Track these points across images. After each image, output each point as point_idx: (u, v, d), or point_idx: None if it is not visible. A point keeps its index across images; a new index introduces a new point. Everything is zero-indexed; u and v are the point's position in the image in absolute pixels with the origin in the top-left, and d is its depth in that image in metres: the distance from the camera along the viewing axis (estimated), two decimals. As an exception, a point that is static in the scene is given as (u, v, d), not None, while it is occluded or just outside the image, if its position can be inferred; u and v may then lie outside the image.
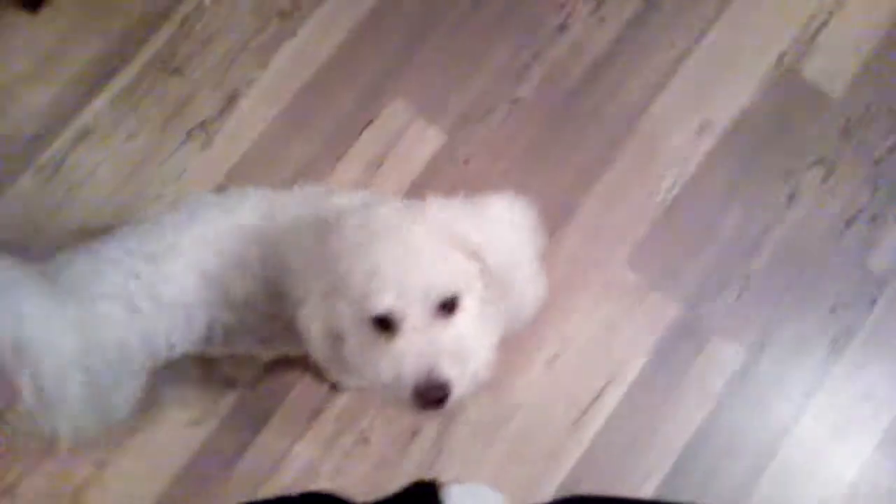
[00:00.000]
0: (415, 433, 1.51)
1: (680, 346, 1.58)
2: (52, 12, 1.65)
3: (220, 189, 1.57)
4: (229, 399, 1.50)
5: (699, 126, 1.68)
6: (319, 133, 1.63)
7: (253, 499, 1.31)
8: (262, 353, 1.31)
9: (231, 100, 1.63)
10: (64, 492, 1.44)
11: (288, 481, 1.47)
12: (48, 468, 1.45)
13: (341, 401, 1.52)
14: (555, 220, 1.61)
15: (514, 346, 1.55)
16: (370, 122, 1.64)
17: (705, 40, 1.73)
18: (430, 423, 1.51)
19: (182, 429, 1.48)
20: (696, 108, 1.69)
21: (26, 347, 0.87)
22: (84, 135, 1.59)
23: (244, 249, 1.07)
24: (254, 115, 1.63)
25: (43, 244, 1.52)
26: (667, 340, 1.58)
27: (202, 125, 1.62)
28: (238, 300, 1.08)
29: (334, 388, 1.51)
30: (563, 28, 1.71)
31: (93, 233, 1.48)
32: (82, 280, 1.02)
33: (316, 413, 1.51)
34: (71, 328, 0.92)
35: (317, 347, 0.97)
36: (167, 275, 1.04)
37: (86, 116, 1.60)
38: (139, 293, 1.02)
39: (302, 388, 1.51)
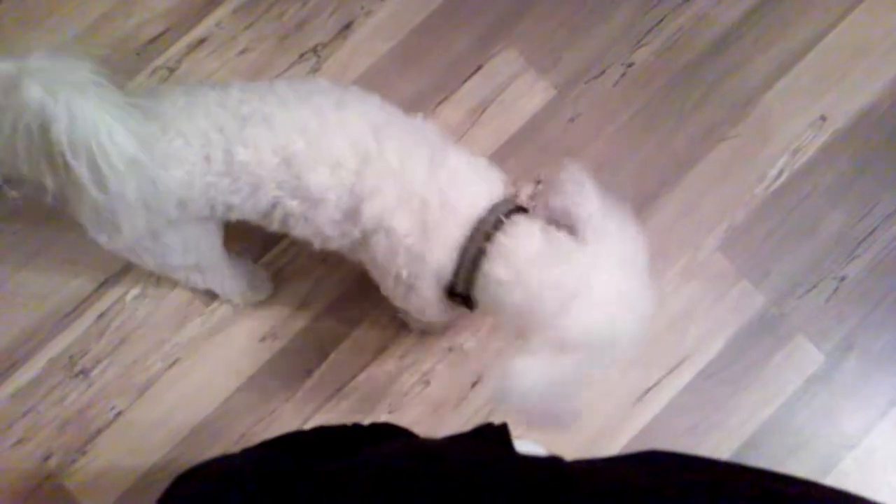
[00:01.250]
0: (475, 384, 1.52)
1: (761, 339, 1.53)
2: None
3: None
4: (301, 321, 1.53)
5: (818, 118, 1.62)
6: (427, 73, 1.62)
7: (325, 424, 1.34)
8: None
9: (346, 27, 1.63)
10: (135, 382, 1.50)
11: (344, 409, 1.50)
12: (124, 359, 1.51)
13: (408, 340, 1.53)
14: (653, 189, 1.58)
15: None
16: (479, 67, 1.62)
17: (837, 29, 1.65)
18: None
19: (255, 341, 1.52)
20: (818, 98, 1.63)
21: (81, 141, 0.87)
22: (200, 43, 1.62)
23: (340, 153, 1.05)
24: (366, 46, 1.63)
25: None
26: (748, 331, 1.54)
27: (314, 49, 1.63)
28: (313, 196, 1.07)
29: (405, 326, 1.52)
30: (690, -3, 1.66)
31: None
32: (170, 111, 1.02)
33: (382, 349, 1.53)
34: (137, 141, 0.91)
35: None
36: (248, 140, 1.03)
37: (205, 25, 1.63)
38: (216, 145, 1.02)
39: (370, 322, 1.53)
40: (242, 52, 1.62)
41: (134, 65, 1.61)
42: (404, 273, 1.10)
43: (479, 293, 1.07)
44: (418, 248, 1.06)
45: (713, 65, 1.63)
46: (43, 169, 0.91)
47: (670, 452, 0.74)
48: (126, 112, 0.91)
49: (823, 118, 1.62)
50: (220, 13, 1.63)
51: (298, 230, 1.13)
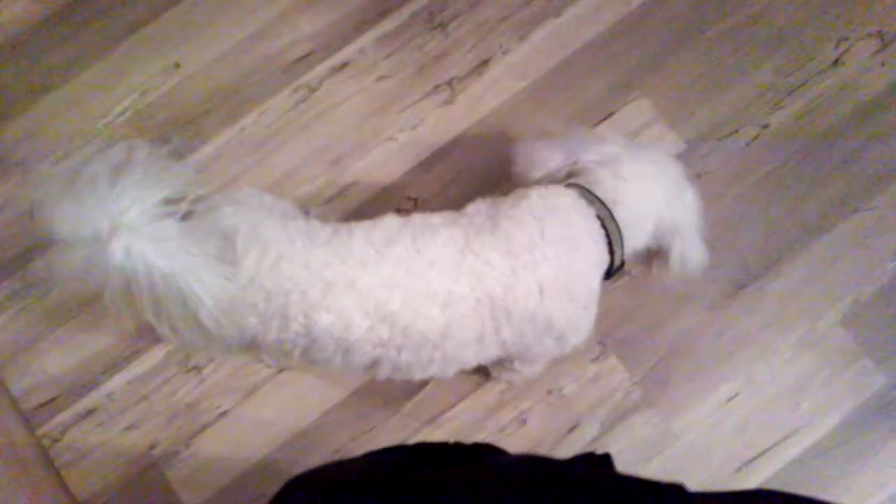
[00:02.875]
0: (573, 428, 1.50)
1: (878, 422, 1.46)
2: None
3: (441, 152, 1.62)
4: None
5: (962, 199, 1.55)
6: (558, 114, 1.63)
7: (424, 440, 1.35)
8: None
9: (483, 64, 1.67)
10: (243, 384, 1.55)
11: (439, 437, 1.51)
12: (236, 360, 1.56)
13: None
14: (777, 253, 1.54)
15: (694, 373, 1.50)
16: (610, 114, 1.62)
17: None
18: (591, 424, 1.49)
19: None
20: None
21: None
22: (342, 66, 1.68)
23: (445, 287, 1.07)
24: (500, 83, 1.66)
25: (277, 163, 1.64)
26: (865, 412, 1.47)
27: (450, 82, 1.67)
28: (431, 339, 1.08)
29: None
30: (837, 63, 1.62)
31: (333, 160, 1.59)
32: (260, 265, 1.05)
33: (483, 382, 1.53)
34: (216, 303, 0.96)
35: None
36: (332, 306, 1.05)
37: (349, 50, 1.69)
38: (296, 308, 1.05)
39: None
40: (380, 78, 1.67)
41: (278, 82, 1.68)
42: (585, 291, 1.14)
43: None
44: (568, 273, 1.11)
45: (854, 133, 1.59)
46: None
47: (796, 495, 0.72)
48: (209, 270, 0.96)
49: (967, 200, 1.55)
50: (364, 40, 1.69)
51: (422, 373, 1.14)
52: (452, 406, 1.52)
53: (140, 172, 0.93)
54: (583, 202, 1.13)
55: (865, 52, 1.62)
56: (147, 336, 1.56)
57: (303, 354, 1.10)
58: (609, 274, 1.15)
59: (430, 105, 1.66)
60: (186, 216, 0.97)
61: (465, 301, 1.07)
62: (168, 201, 0.94)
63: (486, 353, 1.14)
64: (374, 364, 1.11)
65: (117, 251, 0.90)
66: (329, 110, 1.66)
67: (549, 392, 1.52)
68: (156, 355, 1.56)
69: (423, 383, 1.53)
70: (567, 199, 1.13)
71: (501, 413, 1.52)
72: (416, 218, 1.14)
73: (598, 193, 1.14)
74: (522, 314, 1.08)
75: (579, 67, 1.66)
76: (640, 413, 1.50)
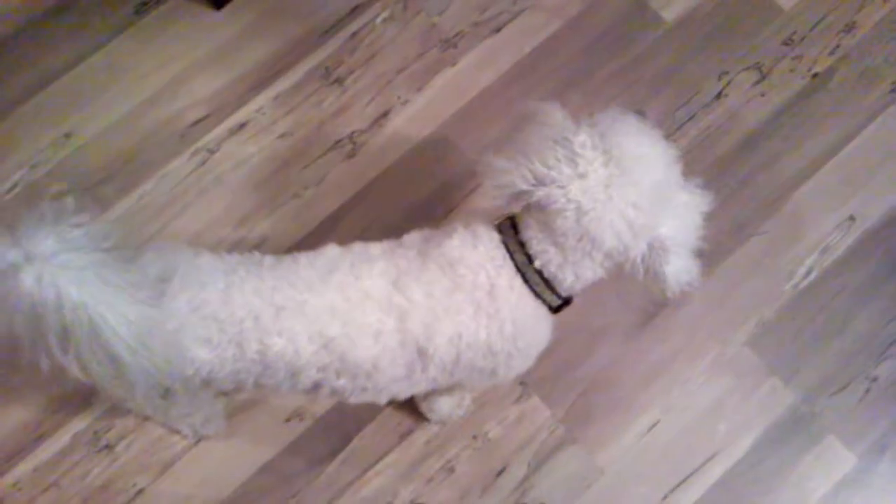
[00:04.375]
0: (501, 471, 1.50)
1: (791, 438, 1.51)
2: (234, 11, 1.74)
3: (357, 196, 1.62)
4: (328, 402, 1.52)
5: (847, 217, 1.64)
6: (461, 159, 1.66)
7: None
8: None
9: (383, 115, 1.68)
10: (158, 459, 1.49)
11: (368, 494, 1.48)
12: (150, 434, 1.50)
13: (433, 426, 1.52)
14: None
15: (615, 405, 1.53)
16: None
17: (867, 131, 1.69)
18: (519, 466, 1.49)
19: (280, 422, 1.51)
20: (847, 198, 1.65)
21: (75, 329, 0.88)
22: (241, 127, 1.67)
23: (376, 320, 1.06)
24: (402, 133, 1.68)
25: (181, 228, 1.61)
26: (778, 430, 1.52)
27: (351, 136, 1.67)
28: (363, 368, 1.08)
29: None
30: (720, 95, 1.70)
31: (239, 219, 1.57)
32: (194, 286, 1.03)
33: (406, 433, 1.52)
34: (134, 330, 0.91)
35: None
36: (283, 330, 1.04)
37: (247, 111, 1.68)
38: (250, 335, 1.04)
39: (396, 406, 1.52)
40: (281, 136, 1.67)
41: (176, 146, 1.66)
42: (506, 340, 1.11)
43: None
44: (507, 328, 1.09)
45: (744, 161, 1.66)
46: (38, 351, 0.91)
47: None
48: (127, 297, 0.91)
49: (853, 217, 1.63)
50: (261, 99, 1.69)
51: (355, 398, 1.14)
52: (378, 460, 1.50)
53: (58, 209, 0.89)
54: (500, 253, 1.09)
55: (746, 83, 1.71)
56: (51, 418, 1.49)
57: (255, 382, 1.09)
58: (555, 309, 1.13)
59: (334, 160, 1.66)
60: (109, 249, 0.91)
61: (393, 336, 1.06)
62: (90, 235, 0.89)
63: (419, 388, 1.15)
64: (316, 387, 1.10)
65: (27, 279, 0.84)
66: (231, 171, 1.65)
67: (475, 437, 1.51)
68: (62, 438, 1.49)
69: (347, 439, 1.51)
70: (481, 251, 1.10)
71: (428, 463, 1.50)
72: (357, 247, 1.14)
73: (530, 236, 1.08)
74: (445, 357, 1.08)
75: (478, 113, 1.69)
76: (565, 450, 1.50)
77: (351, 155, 1.66)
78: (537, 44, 1.74)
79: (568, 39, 1.74)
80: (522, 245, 1.08)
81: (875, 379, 1.54)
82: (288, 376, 1.08)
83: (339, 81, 1.70)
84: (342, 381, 1.09)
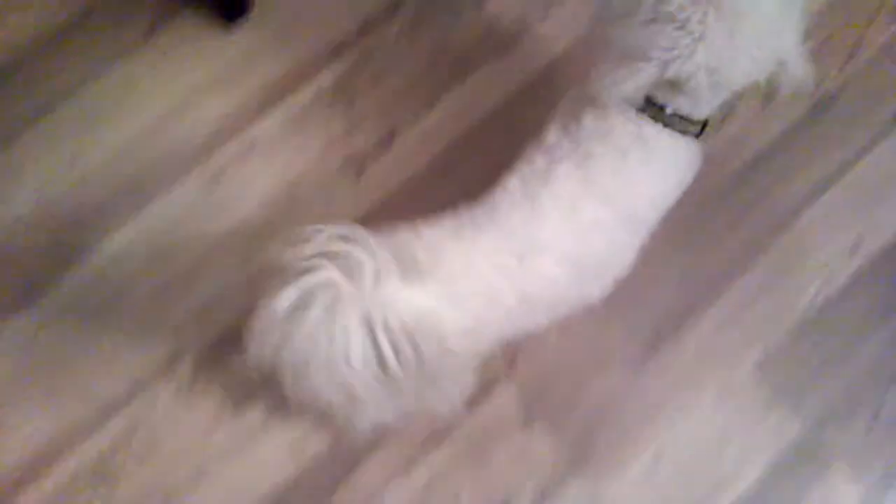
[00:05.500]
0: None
1: (798, 468, 1.50)
2: (244, 31, 1.74)
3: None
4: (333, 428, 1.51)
5: (853, 242, 1.63)
6: (466, 181, 1.64)
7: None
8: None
9: (390, 135, 1.68)
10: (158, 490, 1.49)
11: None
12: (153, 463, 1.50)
13: (439, 455, 1.51)
14: (689, 308, 1.58)
15: (621, 436, 1.52)
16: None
17: (872, 154, 1.68)
18: (522, 498, 1.49)
19: (286, 446, 1.50)
20: (853, 222, 1.64)
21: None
22: (250, 148, 1.67)
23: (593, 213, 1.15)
24: (411, 153, 1.67)
25: (193, 251, 1.61)
26: (785, 459, 1.51)
27: (359, 155, 1.67)
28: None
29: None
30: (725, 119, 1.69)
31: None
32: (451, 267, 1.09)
33: (411, 467, 1.50)
34: None
35: None
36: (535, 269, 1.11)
37: (254, 131, 1.68)
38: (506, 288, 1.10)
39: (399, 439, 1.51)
40: (290, 157, 1.67)
41: (182, 168, 1.66)
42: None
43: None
44: None
45: (749, 185, 1.66)
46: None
47: None
48: None
49: (858, 242, 1.63)
50: (268, 120, 1.69)
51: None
52: (378, 492, 1.49)
53: None
54: (632, 115, 1.14)
55: (751, 106, 1.69)
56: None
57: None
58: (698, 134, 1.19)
59: (340, 180, 1.66)
60: None
61: (610, 221, 1.17)
62: None
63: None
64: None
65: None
66: (239, 193, 1.65)
67: (479, 468, 1.50)
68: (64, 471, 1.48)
69: (347, 470, 1.50)
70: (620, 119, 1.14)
71: (433, 497, 1.49)
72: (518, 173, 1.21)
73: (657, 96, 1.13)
74: (650, 217, 1.26)
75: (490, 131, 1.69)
76: (570, 483, 1.49)
77: (360, 174, 1.66)
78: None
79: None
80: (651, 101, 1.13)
81: (881, 408, 1.53)
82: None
83: (349, 101, 1.70)
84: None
